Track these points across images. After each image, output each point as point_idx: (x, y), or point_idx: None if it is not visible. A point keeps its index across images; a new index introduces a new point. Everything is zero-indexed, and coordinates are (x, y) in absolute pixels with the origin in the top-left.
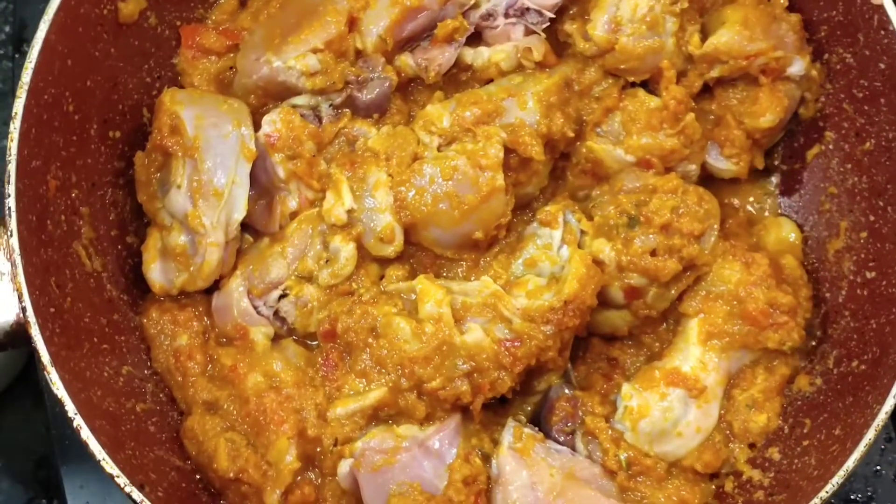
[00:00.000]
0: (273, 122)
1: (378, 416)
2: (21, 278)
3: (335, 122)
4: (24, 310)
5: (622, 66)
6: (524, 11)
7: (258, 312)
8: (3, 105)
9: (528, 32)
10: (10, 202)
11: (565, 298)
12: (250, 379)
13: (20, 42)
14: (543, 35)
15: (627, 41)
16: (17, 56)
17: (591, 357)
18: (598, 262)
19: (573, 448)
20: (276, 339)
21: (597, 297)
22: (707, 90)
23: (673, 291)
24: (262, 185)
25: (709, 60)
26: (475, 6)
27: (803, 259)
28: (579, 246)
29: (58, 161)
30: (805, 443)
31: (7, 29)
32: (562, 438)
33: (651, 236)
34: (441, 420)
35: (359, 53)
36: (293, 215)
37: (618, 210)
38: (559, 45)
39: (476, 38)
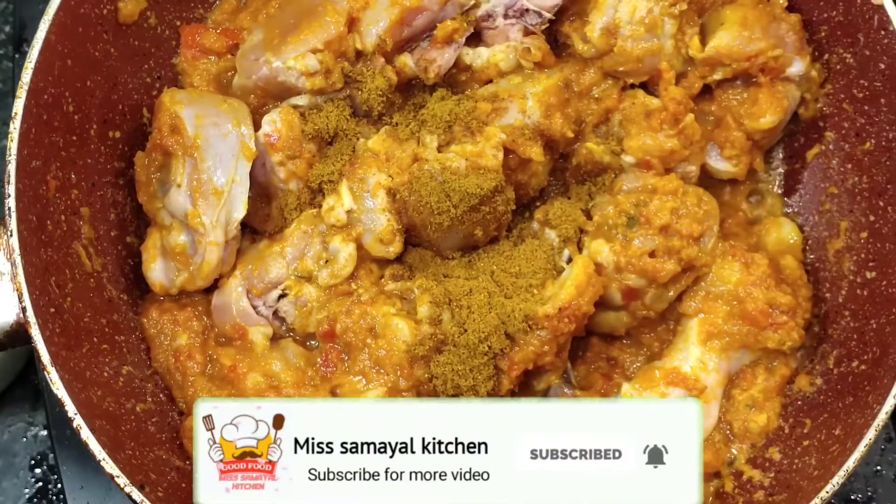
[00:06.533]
0: (273, 121)
1: None
2: (21, 278)
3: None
4: (24, 310)
5: (621, 68)
6: (523, 12)
7: (257, 312)
8: (3, 105)
9: (528, 33)
10: (10, 202)
11: (560, 305)
12: (250, 379)
13: (20, 42)
14: (542, 36)
15: (626, 43)
16: (17, 56)
17: (591, 357)
18: (596, 265)
19: None
20: (275, 339)
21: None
22: (707, 91)
23: (671, 293)
24: (262, 185)
25: (710, 63)
26: (475, 7)
27: (803, 259)
28: (579, 247)
29: (58, 161)
30: (805, 443)
31: (7, 29)
32: None
33: (650, 237)
34: None
35: (359, 53)
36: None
37: (617, 210)
38: (558, 46)
39: (475, 39)
